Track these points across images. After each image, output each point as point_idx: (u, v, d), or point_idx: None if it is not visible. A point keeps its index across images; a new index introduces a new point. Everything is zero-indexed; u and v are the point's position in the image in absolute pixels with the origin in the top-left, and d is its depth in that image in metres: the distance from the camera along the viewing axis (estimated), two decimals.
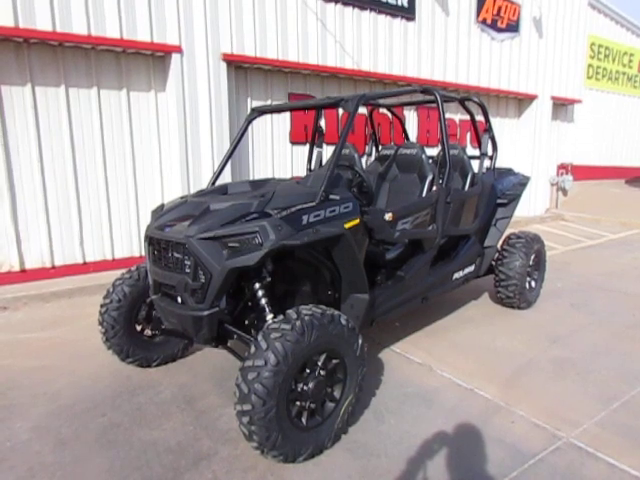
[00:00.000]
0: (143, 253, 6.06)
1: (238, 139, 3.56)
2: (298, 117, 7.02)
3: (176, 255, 2.68)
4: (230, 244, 2.55)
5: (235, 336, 2.83)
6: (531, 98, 10.20)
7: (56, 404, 3.04)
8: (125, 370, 3.47)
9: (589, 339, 4.14)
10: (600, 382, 3.37)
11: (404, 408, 3.02)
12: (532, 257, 4.78)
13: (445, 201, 3.59)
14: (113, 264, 5.90)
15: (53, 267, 5.63)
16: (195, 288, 2.60)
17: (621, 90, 13.34)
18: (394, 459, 2.53)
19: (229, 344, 2.99)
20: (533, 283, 4.93)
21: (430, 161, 3.87)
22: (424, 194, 3.65)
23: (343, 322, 2.52)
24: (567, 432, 2.78)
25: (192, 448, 2.60)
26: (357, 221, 2.82)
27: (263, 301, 2.73)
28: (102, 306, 3.35)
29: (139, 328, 3.53)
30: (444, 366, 3.58)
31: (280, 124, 6.95)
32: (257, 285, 2.76)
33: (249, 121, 3.63)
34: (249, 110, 6.54)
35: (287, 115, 6.95)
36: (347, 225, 2.73)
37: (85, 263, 5.81)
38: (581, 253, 7.70)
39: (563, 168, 11.43)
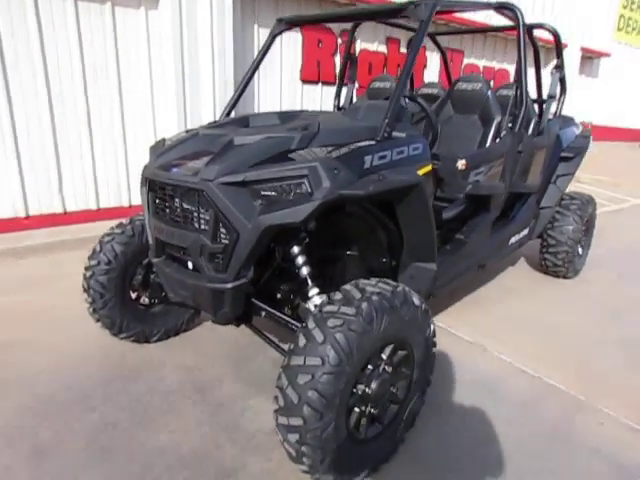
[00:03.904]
0: (133, 203, 5.30)
1: (261, 57, 2.77)
2: (310, 52, 6.12)
3: (187, 206, 1.99)
4: (264, 192, 1.85)
5: (263, 313, 2.19)
6: None
7: (32, 393, 2.39)
8: (118, 346, 2.83)
9: None
10: None
11: (466, 403, 2.45)
12: (584, 221, 4.18)
13: (516, 150, 2.90)
14: (98, 214, 5.15)
15: (27, 217, 4.85)
16: (215, 252, 1.92)
17: None
18: (472, 474, 1.97)
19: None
20: (581, 250, 4.36)
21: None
22: (489, 140, 2.95)
23: (416, 302, 1.88)
24: None
25: (212, 459, 2.00)
26: (430, 167, 2.14)
27: (305, 271, 2.08)
28: (87, 269, 2.66)
29: (134, 296, 2.86)
30: (499, 346, 3.02)
31: (290, 60, 6.05)
32: (296, 249, 2.10)
33: (274, 35, 2.82)
34: (255, 38, 5.68)
35: (298, 49, 6.05)
36: (420, 172, 2.05)
37: (65, 213, 5.04)
38: (609, 217, 7.13)
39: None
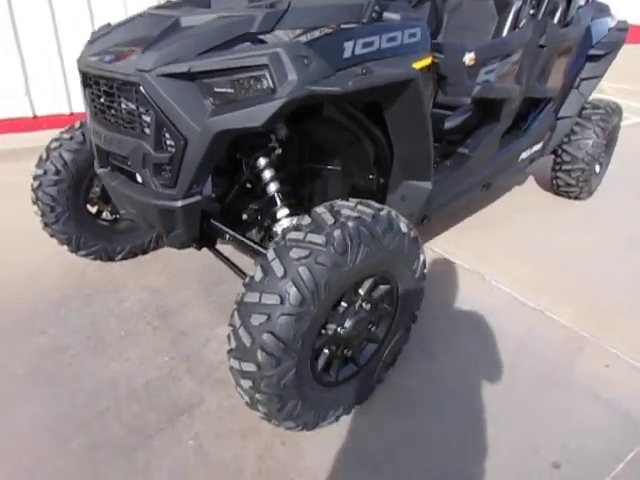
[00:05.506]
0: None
1: None
2: None
3: (126, 105, 1.60)
4: (218, 89, 1.46)
5: (227, 236, 1.89)
6: None
7: None
8: (80, 264, 2.58)
9: None
10: None
11: (458, 339, 2.23)
12: (607, 135, 3.71)
13: (538, 43, 2.41)
14: (72, 119, 4.70)
15: None
16: (160, 163, 1.58)
17: None
18: (455, 424, 1.77)
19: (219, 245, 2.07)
20: (598, 168, 3.92)
21: None
22: (505, 32, 2.44)
23: (404, 229, 1.56)
24: None
25: (166, 393, 1.81)
26: (429, 60, 1.71)
27: (272, 187, 1.74)
28: (34, 178, 2.34)
29: (94, 210, 2.56)
30: (500, 275, 2.74)
31: None
32: (262, 161, 1.74)
33: None
34: None
35: None
36: (417, 65, 1.62)
37: (35, 117, 4.61)
38: (630, 131, 6.57)
39: None
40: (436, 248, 2.99)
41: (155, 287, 2.45)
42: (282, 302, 1.30)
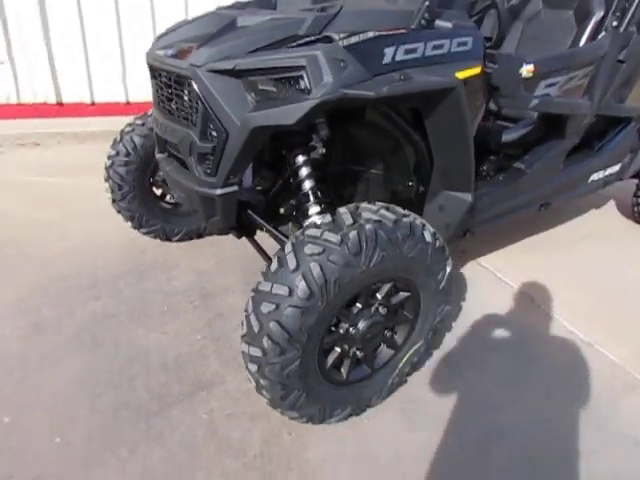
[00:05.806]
0: None
1: None
2: None
3: (181, 97, 1.74)
4: (262, 87, 1.54)
5: (264, 228, 1.97)
6: None
7: (48, 273, 2.47)
8: (141, 242, 2.80)
9: None
10: None
11: (490, 358, 2.14)
12: None
13: (617, 58, 2.25)
14: None
15: (93, 104, 4.92)
16: (204, 152, 1.69)
17: None
18: (469, 447, 1.70)
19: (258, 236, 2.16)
20: None
21: None
22: (583, 42, 2.30)
23: (428, 238, 1.55)
24: None
25: (193, 369, 1.93)
26: (478, 70, 1.67)
27: (307, 184, 1.79)
28: (108, 158, 2.58)
29: (159, 192, 2.77)
30: (551, 300, 2.58)
31: None
32: (300, 158, 1.80)
33: None
34: None
35: None
36: (460, 75, 1.59)
37: (128, 103, 5.04)
38: None
39: None
40: (485, 263, 2.88)
41: (203, 270, 2.60)
42: (291, 294, 1.34)
